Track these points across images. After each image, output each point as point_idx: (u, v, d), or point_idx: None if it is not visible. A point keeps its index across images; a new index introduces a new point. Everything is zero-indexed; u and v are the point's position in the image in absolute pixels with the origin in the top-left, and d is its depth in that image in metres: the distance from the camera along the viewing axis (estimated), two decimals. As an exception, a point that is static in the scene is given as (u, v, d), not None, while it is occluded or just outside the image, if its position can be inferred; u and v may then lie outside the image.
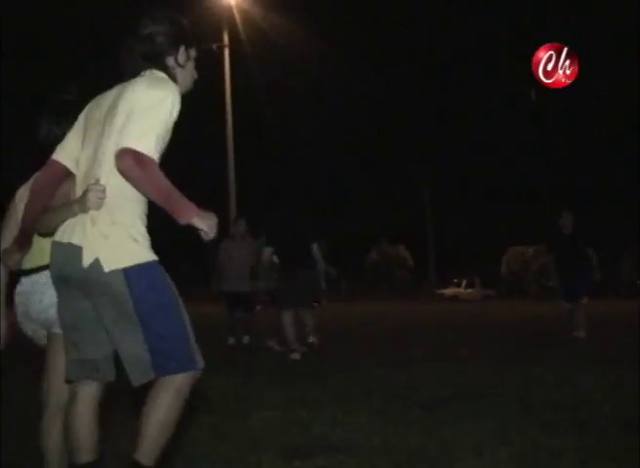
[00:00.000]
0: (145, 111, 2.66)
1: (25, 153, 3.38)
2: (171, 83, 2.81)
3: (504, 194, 52.66)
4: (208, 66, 24.50)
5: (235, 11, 25.70)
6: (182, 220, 2.59)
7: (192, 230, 2.63)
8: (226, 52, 25.62)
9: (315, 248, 9.60)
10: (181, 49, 2.94)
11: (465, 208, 54.07)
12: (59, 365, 3.04)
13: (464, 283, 51.55)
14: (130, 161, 2.57)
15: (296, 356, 8.98)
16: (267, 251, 9.68)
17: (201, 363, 2.79)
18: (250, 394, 6.12)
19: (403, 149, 55.13)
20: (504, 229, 50.11)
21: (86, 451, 2.81)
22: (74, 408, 2.86)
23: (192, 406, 5.38)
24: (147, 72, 2.87)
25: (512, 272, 50.82)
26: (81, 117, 2.97)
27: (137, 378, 2.72)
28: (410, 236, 53.31)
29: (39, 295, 3.11)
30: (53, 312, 3.04)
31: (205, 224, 2.62)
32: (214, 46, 25.22)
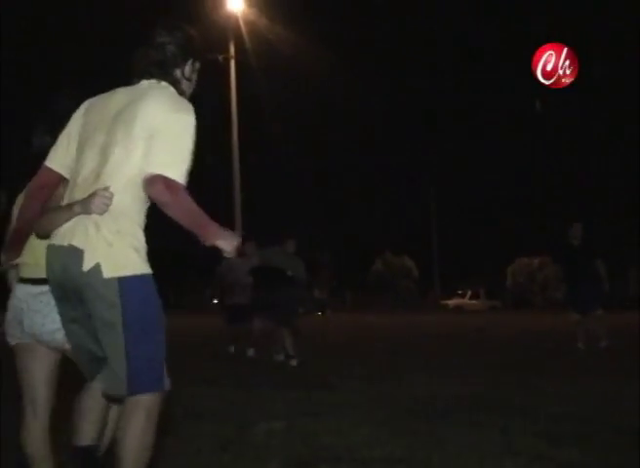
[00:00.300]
0: (174, 137, 2.70)
1: (21, 163, 3.40)
2: (189, 104, 2.84)
3: (510, 206, 52.64)
4: (214, 77, 24.59)
5: (241, 22, 25.78)
6: (208, 242, 2.71)
7: (214, 249, 2.74)
8: (232, 63, 25.69)
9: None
10: (190, 62, 2.98)
11: (471, 219, 54.03)
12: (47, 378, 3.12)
13: (469, 294, 51.43)
14: (161, 187, 2.64)
15: (251, 353, 10.81)
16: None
17: (168, 385, 2.78)
18: (254, 404, 6.11)
19: (409, 162, 55.16)
20: (510, 240, 50.05)
21: (87, 437, 2.85)
22: (86, 394, 2.90)
23: (197, 416, 5.39)
24: (156, 82, 2.88)
25: (518, 283, 50.75)
26: (77, 118, 2.95)
27: (108, 389, 2.74)
28: (415, 246, 53.32)
29: (41, 318, 3.09)
30: (60, 336, 3.03)
31: (228, 245, 2.73)
32: (220, 57, 25.27)
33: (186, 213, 2.69)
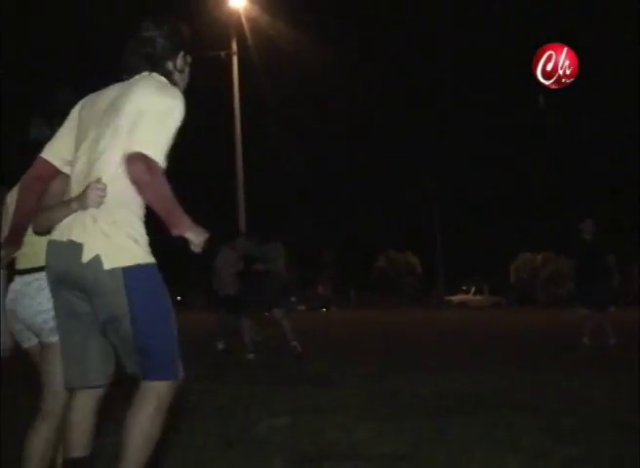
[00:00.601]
0: (157, 118, 2.68)
1: (18, 154, 3.39)
2: (177, 90, 2.84)
3: (513, 201, 52.58)
4: (217, 73, 24.57)
5: (244, 19, 25.76)
6: (176, 232, 2.64)
7: (182, 241, 2.67)
8: (235, 59, 25.66)
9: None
10: (180, 54, 2.97)
11: (474, 214, 54.00)
12: (50, 373, 3.06)
13: (473, 290, 51.39)
14: (141, 166, 2.60)
15: (251, 356, 10.06)
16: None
17: (181, 374, 2.77)
18: (257, 400, 6.12)
19: (411, 158, 55.19)
20: (514, 235, 50.01)
21: (78, 447, 2.82)
22: (73, 403, 2.86)
23: (201, 412, 5.39)
24: (148, 74, 2.88)
25: (521, 279, 50.67)
26: (73, 115, 2.96)
27: (131, 367, 2.76)
28: (418, 243, 53.31)
29: (29, 300, 3.11)
30: (40, 320, 3.05)
31: (196, 238, 2.67)
32: (222, 53, 25.26)
33: (162, 197, 2.64)
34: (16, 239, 3.07)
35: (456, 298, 49.93)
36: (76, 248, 2.66)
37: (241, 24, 25.73)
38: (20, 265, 3.18)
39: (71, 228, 2.70)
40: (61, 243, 2.72)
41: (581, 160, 51.52)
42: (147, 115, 2.67)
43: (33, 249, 3.07)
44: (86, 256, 2.64)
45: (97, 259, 2.63)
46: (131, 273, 2.65)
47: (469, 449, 4.20)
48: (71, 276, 2.70)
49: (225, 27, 25.60)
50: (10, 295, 3.19)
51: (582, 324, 11.30)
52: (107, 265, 2.63)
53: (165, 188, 2.63)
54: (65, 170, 2.94)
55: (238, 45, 25.90)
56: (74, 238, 2.67)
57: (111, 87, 2.92)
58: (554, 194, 52.09)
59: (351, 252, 53.52)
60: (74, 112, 2.97)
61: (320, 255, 50.47)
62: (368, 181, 58.40)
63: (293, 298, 44.00)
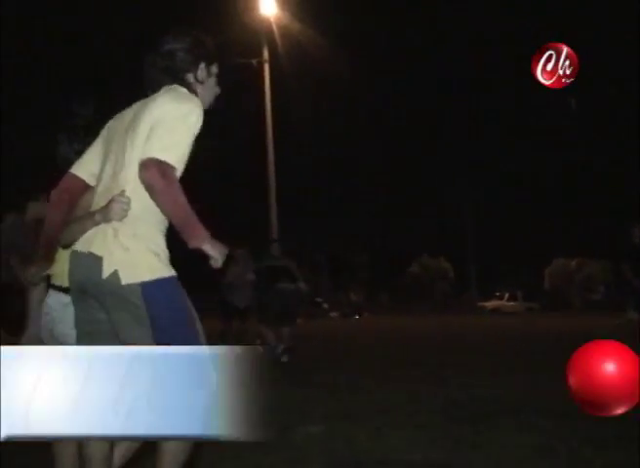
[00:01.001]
0: (172, 123, 2.67)
1: (48, 169, 3.40)
2: (195, 97, 2.84)
3: (548, 205, 52.11)
4: (248, 81, 24.71)
5: (274, 26, 25.85)
6: (193, 244, 2.59)
7: (201, 255, 2.62)
8: (266, 67, 25.76)
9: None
10: (202, 65, 2.96)
11: (508, 220, 53.60)
12: None
13: (507, 296, 51.01)
14: (154, 172, 2.57)
15: (285, 359, 10.01)
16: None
17: None
18: (291, 408, 6.12)
19: (445, 161, 54.98)
20: (547, 241, 49.57)
21: (100, 461, 2.82)
22: None
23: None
24: (169, 87, 2.89)
25: (555, 285, 50.24)
26: (102, 132, 2.99)
27: None
28: (451, 249, 53.10)
29: (68, 329, 3.05)
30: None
31: (215, 252, 2.62)
32: (254, 61, 25.38)
33: (177, 205, 2.59)
34: (47, 255, 3.05)
35: (489, 304, 49.59)
36: (96, 261, 2.65)
37: (272, 32, 25.85)
38: (55, 282, 3.19)
39: (92, 241, 2.69)
40: (83, 254, 2.71)
41: (619, 162, 50.87)
42: (162, 122, 2.67)
43: (63, 267, 3.07)
44: (105, 272, 2.63)
45: (115, 275, 2.62)
46: (149, 288, 2.62)
47: (505, 457, 4.17)
48: (90, 287, 2.70)
49: (257, 35, 25.74)
50: (46, 310, 3.19)
51: (622, 327, 11.18)
52: (125, 280, 2.61)
53: (180, 196, 2.59)
54: (94, 184, 2.94)
55: (270, 52, 26.02)
56: (94, 250, 2.67)
57: (136, 103, 2.94)
58: (587, 198, 51.54)
59: (384, 257, 53.41)
60: (104, 130, 2.99)
61: (352, 261, 50.43)
62: (401, 186, 58.25)
63: (325, 305, 44.05)
